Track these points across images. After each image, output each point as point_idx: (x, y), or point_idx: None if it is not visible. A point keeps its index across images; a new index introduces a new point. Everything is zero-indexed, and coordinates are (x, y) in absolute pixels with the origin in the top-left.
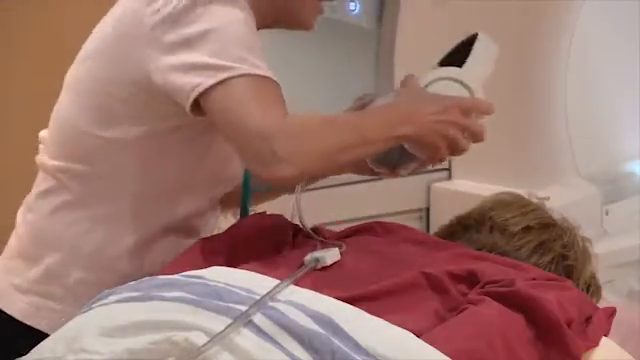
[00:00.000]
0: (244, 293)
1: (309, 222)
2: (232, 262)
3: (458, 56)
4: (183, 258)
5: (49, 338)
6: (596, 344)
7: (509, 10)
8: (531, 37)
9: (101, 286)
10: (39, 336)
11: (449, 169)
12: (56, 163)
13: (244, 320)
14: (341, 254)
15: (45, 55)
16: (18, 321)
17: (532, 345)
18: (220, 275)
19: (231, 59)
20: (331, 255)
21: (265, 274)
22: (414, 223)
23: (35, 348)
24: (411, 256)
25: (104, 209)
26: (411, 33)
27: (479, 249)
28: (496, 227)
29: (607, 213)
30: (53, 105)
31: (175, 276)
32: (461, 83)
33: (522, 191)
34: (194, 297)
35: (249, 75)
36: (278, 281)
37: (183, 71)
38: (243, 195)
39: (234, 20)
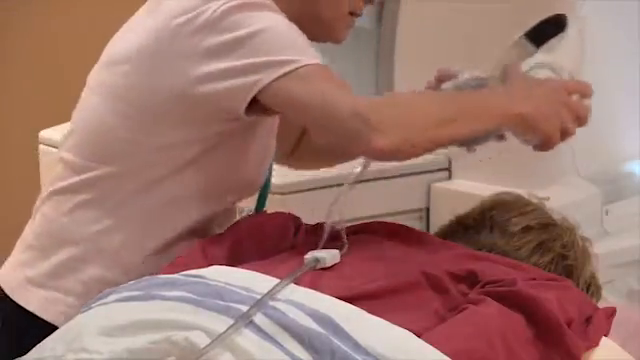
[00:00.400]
0: (244, 292)
1: (312, 221)
2: (232, 261)
3: (542, 35)
4: (183, 258)
5: (49, 337)
6: (596, 344)
7: (509, 10)
8: None
9: (116, 285)
10: (53, 330)
11: (449, 169)
12: (83, 162)
13: (245, 321)
14: (342, 256)
15: (45, 55)
16: (33, 314)
17: (532, 345)
18: (220, 274)
19: (290, 53)
20: (332, 256)
21: (265, 273)
22: (414, 223)
23: (35, 348)
24: (411, 256)
25: (128, 211)
26: (411, 33)
27: (479, 249)
28: (496, 227)
29: (607, 213)
30: (53, 105)
31: (175, 275)
32: (560, 71)
33: (522, 191)
34: (194, 296)
35: (315, 64)
36: (278, 280)
37: (238, 72)
38: (259, 200)
39: (278, 21)
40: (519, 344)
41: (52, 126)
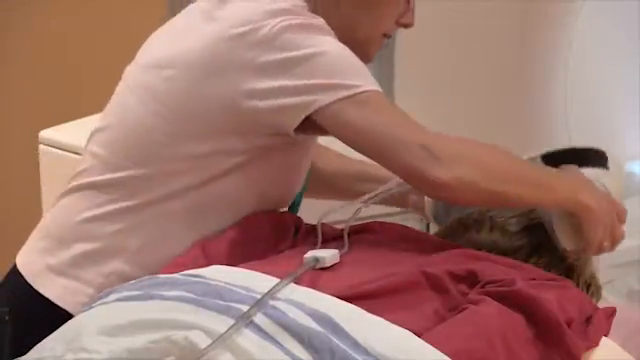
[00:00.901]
0: (244, 292)
1: (312, 221)
2: (233, 261)
3: (559, 160)
4: (183, 257)
5: (49, 337)
6: (596, 344)
7: (509, 10)
8: (531, 37)
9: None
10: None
11: None
12: (116, 160)
13: (245, 321)
14: (341, 256)
15: (45, 55)
16: (51, 303)
17: (532, 345)
18: (220, 274)
19: (350, 78)
20: (331, 256)
21: (265, 273)
22: (414, 223)
23: (35, 347)
24: (411, 256)
25: (154, 213)
26: (411, 33)
27: (479, 249)
28: (496, 227)
29: None
30: (53, 105)
31: (175, 275)
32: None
33: None
34: (194, 296)
35: (375, 91)
36: (278, 280)
37: (289, 93)
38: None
39: (336, 45)
40: (519, 344)
41: (52, 126)
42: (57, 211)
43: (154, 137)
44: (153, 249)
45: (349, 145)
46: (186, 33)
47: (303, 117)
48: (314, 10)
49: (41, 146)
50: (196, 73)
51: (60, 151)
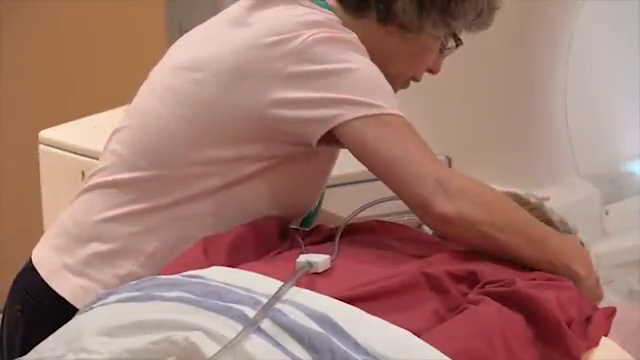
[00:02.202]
0: (244, 293)
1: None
2: (233, 262)
3: None
4: (183, 258)
5: (49, 338)
6: (596, 344)
7: (509, 10)
8: (531, 37)
9: None
10: None
11: None
12: (136, 160)
13: (253, 327)
14: (332, 261)
15: (45, 55)
16: (67, 302)
17: (532, 345)
18: (220, 275)
19: (376, 97)
20: (323, 262)
21: (265, 274)
22: (414, 223)
23: (35, 348)
24: (411, 256)
25: (171, 216)
26: None
27: None
28: None
29: (607, 213)
30: (53, 105)
31: (175, 276)
32: None
33: (522, 191)
34: (194, 297)
35: (398, 115)
36: (277, 281)
37: (314, 105)
38: (304, 221)
39: (366, 63)
40: (519, 344)
41: (52, 126)
42: (75, 208)
43: (176, 140)
44: (169, 253)
45: (363, 163)
46: (217, 38)
47: (325, 130)
48: (348, 25)
49: (41, 146)
50: (225, 78)
51: (60, 151)
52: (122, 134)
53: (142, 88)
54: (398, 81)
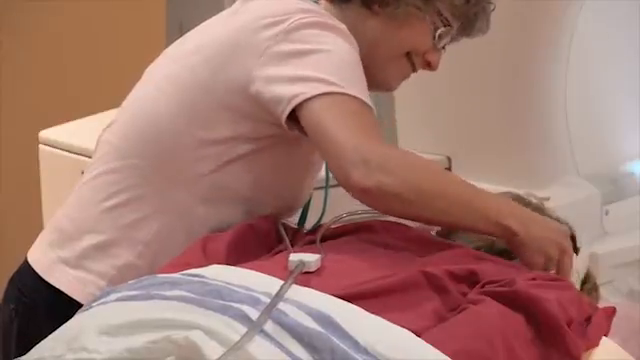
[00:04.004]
0: (244, 291)
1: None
2: (232, 261)
3: None
4: (183, 257)
5: (49, 337)
6: (596, 344)
7: (509, 10)
8: (531, 37)
9: (149, 274)
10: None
11: (449, 169)
12: (127, 146)
13: (258, 329)
14: (322, 261)
15: (45, 55)
16: (64, 294)
17: (532, 345)
18: (220, 274)
19: (339, 78)
20: (315, 260)
21: (264, 272)
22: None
23: (35, 347)
24: (411, 255)
25: (164, 201)
26: None
27: (478, 248)
28: None
29: (607, 213)
30: (53, 105)
31: (175, 275)
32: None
33: (522, 191)
34: (194, 296)
35: (355, 97)
36: (276, 279)
37: (287, 81)
38: (301, 215)
39: (347, 50)
40: (519, 344)
41: (52, 126)
42: (68, 206)
43: (167, 124)
44: (165, 241)
45: (312, 141)
46: (214, 26)
47: (290, 109)
48: (335, 16)
49: (41, 146)
50: (218, 59)
51: (60, 151)
52: (113, 125)
53: (136, 85)
54: (393, 67)
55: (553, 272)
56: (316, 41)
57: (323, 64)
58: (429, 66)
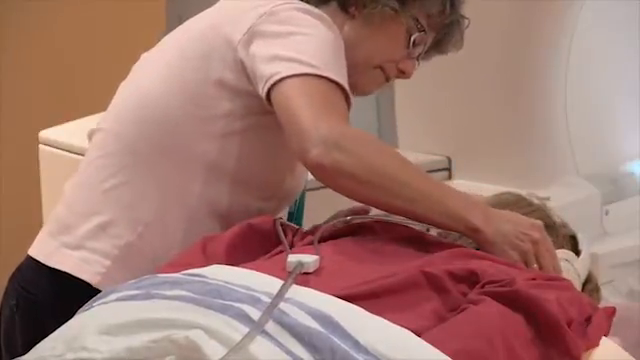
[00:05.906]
0: (244, 291)
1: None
2: (232, 260)
3: None
4: (183, 257)
5: (49, 337)
6: (596, 344)
7: (509, 10)
8: (531, 37)
9: (151, 254)
10: (89, 290)
11: (449, 169)
12: (125, 130)
13: (259, 329)
14: (321, 261)
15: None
16: (69, 276)
17: (532, 345)
18: (220, 273)
19: (317, 61)
20: (314, 261)
21: (264, 272)
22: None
23: (35, 347)
24: (411, 255)
25: (162, 181)
26: None
27: (478, 248)
28: None
29: (607, 213)
30: (53, 105)
31: (175, 275)
32: (576, 270)
33: (522, 191)
34: (194, 295)
35: (329, 80)
36: (276, 278)
37: (267, 60)
38: (296, 215)
39: (328, 35)
40: (519, 344)
41: (52, 126)
42: (65, 196)
43: (164, 101)
44: (163, 222)
45: (280, 119)
46: (202, 14)
47: (267, 88)
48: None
49: (41, 146)
50: (210, 35)
51: (60, 151)
52: (106, 114)
53: (125, 80)
54: (368, 74)
55: (536, 266)
56: (298, 24)
57: (303, 46)
58: (403, 74)
